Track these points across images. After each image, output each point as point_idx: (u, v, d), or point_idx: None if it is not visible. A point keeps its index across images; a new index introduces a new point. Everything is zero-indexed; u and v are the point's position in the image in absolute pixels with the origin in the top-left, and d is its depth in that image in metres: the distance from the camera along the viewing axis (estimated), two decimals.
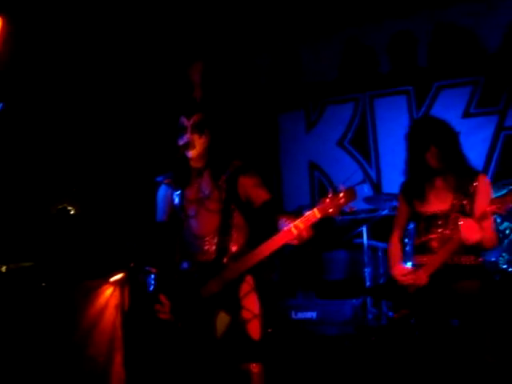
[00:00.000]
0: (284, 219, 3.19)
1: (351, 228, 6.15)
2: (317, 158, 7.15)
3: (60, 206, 5.05)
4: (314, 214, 3.09)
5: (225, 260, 3.34)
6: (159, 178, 3.62)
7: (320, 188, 7.07)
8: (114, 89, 6.04)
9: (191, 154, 3.44)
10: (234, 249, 3.39)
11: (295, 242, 3.13)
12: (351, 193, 3.09)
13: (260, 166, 6.69)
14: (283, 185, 7.28)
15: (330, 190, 3.10)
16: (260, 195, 3.43)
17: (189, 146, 3.41)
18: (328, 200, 3.08)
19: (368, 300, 5.66)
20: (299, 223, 3.09)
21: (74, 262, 4.86)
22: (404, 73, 6.79)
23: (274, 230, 3.21)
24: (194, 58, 6.64)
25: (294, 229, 3.09)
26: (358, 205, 5.27)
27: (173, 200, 3.54)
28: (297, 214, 3.17)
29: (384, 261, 5.80)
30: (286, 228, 3.12)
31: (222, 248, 3.36)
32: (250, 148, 6.97)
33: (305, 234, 3.10)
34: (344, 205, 3.07)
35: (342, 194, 3.07)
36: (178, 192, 3.52)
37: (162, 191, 3.63)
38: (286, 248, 3.21)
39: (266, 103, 7.35)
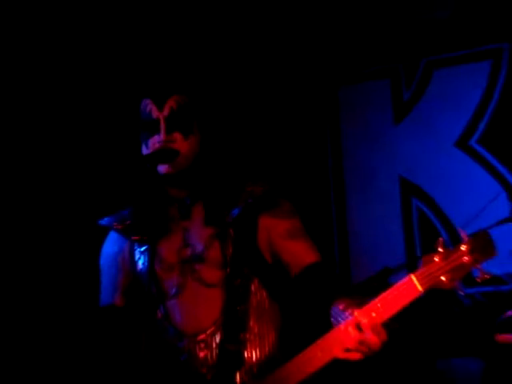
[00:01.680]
0: (347, 302, 3.22)
1: (490, 311, 6.04)
2: (416, 170, 7.14)
3: None
4: (410, 285, 3.09)
5: (237, 378, 3.44)
6: (104, 221, 3.72)
7: (422, 229, 7.05)
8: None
9: (169, 169, 3.54)
10: (254, 356, 3.51)
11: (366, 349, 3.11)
12: (485, 242, 3.08)
13: (305, 188, 6.88)
14: (349, 223, 7.29)
15: (441, 240, 3.11)
16: (300, 253, 3.55)
17: (165, 154, 3.51)
18: (438, 259, 3.07)
19: None
20: (378, 310, 3.11)
21: None
22: None
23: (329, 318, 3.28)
24: None
25: (364, 326, 3.07)
26: (503, 264, 5.32)
27: (134, 264, 3.63)
28: (379, 286, 3.22)
29: None
30: (347, 322, 3.13)
31: (231, 354, 3.46)
32: (285, 153, 7.02)
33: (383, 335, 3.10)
34: (471, 266, 3.05)
35: (465, 247, 3.06)
36: (144, 247, 3.61)
37: (110, 246, 3.76)
38: None
39: (316, 67, 7.37)
